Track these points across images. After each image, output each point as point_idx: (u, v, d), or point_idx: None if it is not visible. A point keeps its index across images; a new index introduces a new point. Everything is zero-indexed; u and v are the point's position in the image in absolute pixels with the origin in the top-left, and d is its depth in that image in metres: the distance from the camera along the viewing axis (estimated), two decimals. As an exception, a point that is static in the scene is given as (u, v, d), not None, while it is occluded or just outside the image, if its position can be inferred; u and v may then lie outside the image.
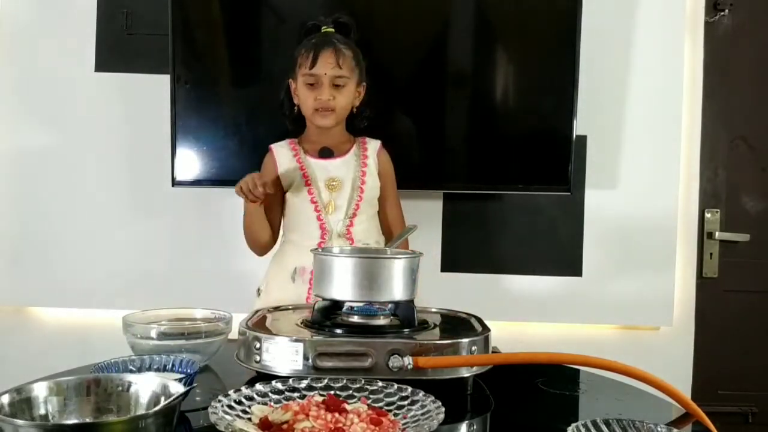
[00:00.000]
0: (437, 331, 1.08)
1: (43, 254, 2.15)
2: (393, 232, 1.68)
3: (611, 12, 2.12)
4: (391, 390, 0.88)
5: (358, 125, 1.67)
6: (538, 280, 2.17)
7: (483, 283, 2.16)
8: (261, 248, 1.64)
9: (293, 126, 1.66)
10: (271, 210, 1.60)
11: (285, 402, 0.85)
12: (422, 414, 0.82)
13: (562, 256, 2.17)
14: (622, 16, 2.14)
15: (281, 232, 1.66)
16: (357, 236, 1.56)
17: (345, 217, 1.56)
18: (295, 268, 1.56)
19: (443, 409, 0.81)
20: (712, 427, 0.88)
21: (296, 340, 0.97)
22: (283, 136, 1.67)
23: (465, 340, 1.00)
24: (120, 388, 0.81)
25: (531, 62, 2.02)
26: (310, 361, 0.96)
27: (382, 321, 1.08)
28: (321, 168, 1.58)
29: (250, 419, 0.80)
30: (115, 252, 2.15)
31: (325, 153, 1.60)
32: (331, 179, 1.57)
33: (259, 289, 1.66)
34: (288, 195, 1.60)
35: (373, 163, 1.64)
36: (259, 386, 0.87)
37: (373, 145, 1.66)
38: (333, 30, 1.60)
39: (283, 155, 1.61)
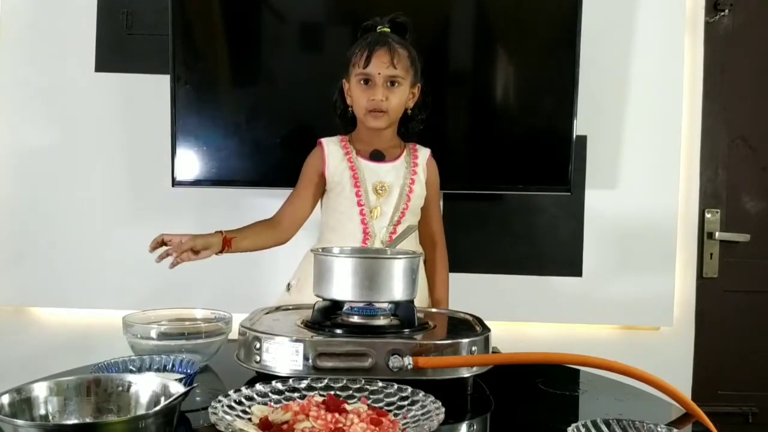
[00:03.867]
0: (437, 331, 1.08)
1: (43, 254, 2.15)
2: (435, 241, 1.66)
3: (611, 12, 2.12)
4: (391, 390, 0.88)
5: (412, 129, 1.64)
6: (538, 280, 2.17)
7: (483, 283, 2.16)
8: (272, 246, 1.58)
9: (345, 126, 1.63)
10: (293, 203, 1.57)
11: (285, 402, 0.85)
12: (422, 414, 0.82)
13: (562, 256, 2.17)
14: (622, 16, 2.14)
15: (320, 230, 1.62)
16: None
17: (389, 223, 1.53)
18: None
19: (443, 410, 0.81)
20: (712, 427, 0.88)
21: (296, 340, 0.97)
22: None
23: (465, 341, 1.00)
24: (120, 388, 0.81)
25: (531, 62, 2.02)
26: (310, 361, 0.96)
27: (382, 321, 1.08)
28: (371, 171, 1.55)
29: (250, 419, 0.80)
30: (115, 252, 2.15)
31: (377, 156, 1.56)
32: (380, 183, 1.54)
33: (289, 284, 1.62)
34: (332, 195, 1.56)
35: (422, 171, 1.61)
36: (259, 386, 0.87)
37: (424, 153, 1.63)
38: (389, 29, 1.56)
39: (333, 152, 1.57)
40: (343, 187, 1.54)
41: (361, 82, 1.52)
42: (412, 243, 1.58)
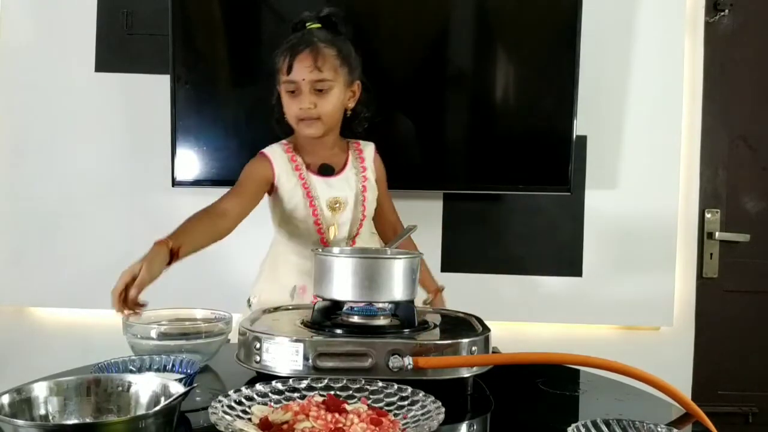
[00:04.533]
0: (437, 331, 1.08)
1: (43, 254, 2.15)
2: (397, 230, 1.61)
3: (611, 12, 2.12)
4: (391, 390, 0.88)
5: (355, 129, 1.53)
6: (538, 280, 2.17)
7: (483, 283, 2.16)
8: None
9: (284, 132, 1.52)
10: (241, 196, 1.40)
11: (285, 402, 0.85)
12: (422, 414, 0.82)
13: (563, 256, 2.17)
14: (622, 16, 2.14)
15: (275, 238, 1.56)
16: None
17: (348, 237, 1.48)
18: (294, 286, 1.48)
19: (443, 410, 0.81)
20: (712, 427, 0.88)
21: (296, 341, 0.97)
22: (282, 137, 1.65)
23: (465, 341, 1.00)
24: (120, 388, 0.81)
25: (531, 62, 2.02)
26: (310, 361, 0.96)
27: (382, 321, 1.08)
28: (323, 187, 1.46)
29: (250, 419, 0.80)
30: (115, 252, 2.14)
31: (326, 170, 1.47)
32: (335, 200, 1.45)
33: (249, 300, 1.56)
34: (283, 203, 1.46)
35: (372, 173, 1.52)
36: (259, 386, 0.87)
37: (369, 152, 1.54)
38: (319, 26, 1.43)
39: (281, 165, 1.45)
40: (296, 204, 1.44)
41: (288, 90, 1.41)
42: (367, 238, 1.53)
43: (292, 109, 1.42)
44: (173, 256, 1.16)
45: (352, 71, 1.45)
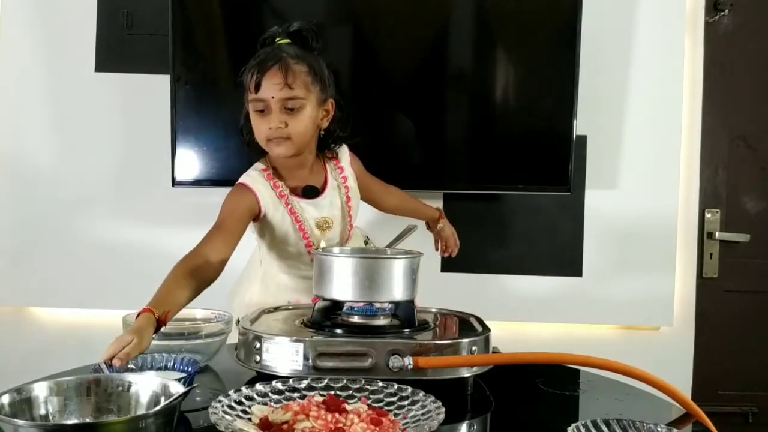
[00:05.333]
0: (437, 331, 1.08)
1: (43, 254, 2.15)
2: (404, 199, 1.62)
3: (611, 12, 2.12)
4: (392, 390, 0.88)
5: (333, 146, 1.45)
6: (539, 280, 2.17)
7: (483, 283, 2.16)
8: None
9: (257, 153, 1.43)
10: (225, 240, 1.28)
11: (285, 402, 0.85)
12: (422, 414, 0.82)
13: (563, 256, 2.17)
14: (622, 16, 2.14)
15: (263, 258, 1.50)
16: None
17: (339, 245, 1.44)
18: (288, 302, 1.41)
19: (443, 409, 0.81)
20: (712, 427, 0.88)
21: (296, 340, 0.97)
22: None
23: (465, 341, 1.00)
24: (120, 388, 0.81)
25: (531, 62, 2.02)
26: (310, 361, 0.96)
27: (382, 321, 1.08)
28: (310, 210, 1.39)
29: (250, 419, 0.80)
30: (115, 252, 2.15)
31: (310, 193, 1.40)
32: (323, 220, 1.40)
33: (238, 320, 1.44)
34: (278, 237, 1.40)
35: (352, 179, 1.47)
36: (259, 386, 0.87)
37: (345, 158, 1.47)
38: (288, 41, 1.35)
39: (264, 195, 1.36)
40: (286, 231, 1.38)
41: (257, 109, 1.32)
42: (359, 239, 1.53)
43: (261, 128, 1.33)
44: (160, 323, 1.06)
45: (324, 89, 1.35)
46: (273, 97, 1.29)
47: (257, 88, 1.30)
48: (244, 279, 1.58)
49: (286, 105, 1.30)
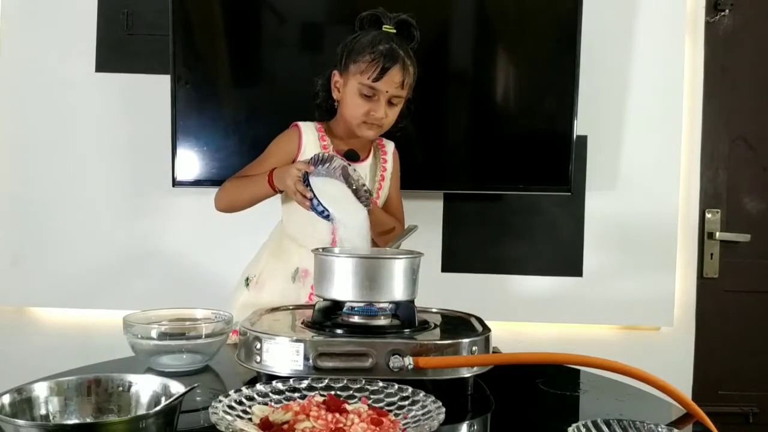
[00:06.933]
0: (438, 331, 1.08)
1: (43, 254, 2.15)
2: (399, 220, 1.63)
3: (611, 12, 2.12)
4: (392, 390, 0.88)
5: (392, 133, 1.58)
6: (539, 280, 2.17)
7: (483, 283, 2.16)
8: (232, 211, 1.55)
9: (321, 115, 1.56)
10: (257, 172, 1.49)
11: (285, 402, 0.85)
12: (423, 414, 0.82)
13: (563, 256, 2.17)
14: (622, 16, 2.14)
15: (282, 218, 1.56)
16: None
17: None
18: (297, 269, 1.49)
19: (444, 410, 0.81)
20: (712, 427, 0.88)
21: (297, 341, 0.97)
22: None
23: (465, 341, 1.00)
24: (120, 388, 0.81)
25: (531, 62, 2.03)
26: (310, 361, 0.96)
27: (382, 321, 1.08)
28: None
29: (250, 419, 0.80)
30: (115, 252, 2.15)
31: (351, 156, 1.50)
32: None
33: (247, 279, 1.55)
34: None
35: (391, 167, 1.59)
36: (259, 386, 0.87)
37: (390, 148, 1.61)
38: (394, 31, 1.46)
39: (311, 141, 1.49)
40: None
41: (364, 93, 1.44)
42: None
43: (361, 110, 1.45)
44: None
45: (412, 88, 1.51)
46: (387, 91, 1.43)
47: (377, 79, 1.41)
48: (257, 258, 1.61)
49: (392, 100, 1.45)
